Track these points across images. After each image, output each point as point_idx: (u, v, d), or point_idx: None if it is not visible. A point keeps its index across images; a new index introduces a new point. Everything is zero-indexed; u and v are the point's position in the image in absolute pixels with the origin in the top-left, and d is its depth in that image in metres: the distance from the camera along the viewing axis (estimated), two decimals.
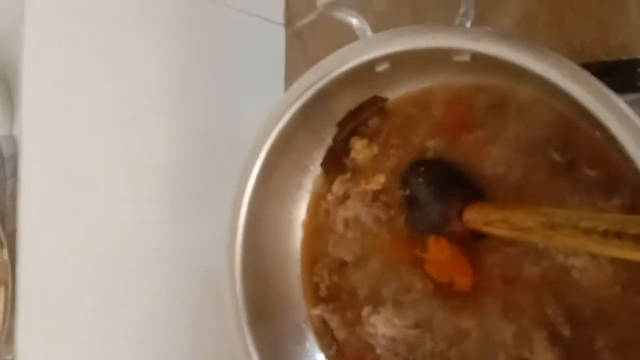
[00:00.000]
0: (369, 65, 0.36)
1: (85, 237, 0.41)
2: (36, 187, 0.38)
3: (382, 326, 0.40)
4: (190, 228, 0.49)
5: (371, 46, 0.35)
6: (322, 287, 0.45)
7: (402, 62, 0.35)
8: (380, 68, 0.36)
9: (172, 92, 0.49)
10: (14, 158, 0.38)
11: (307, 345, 0.45)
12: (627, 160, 0.29)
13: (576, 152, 0.33)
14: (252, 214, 0.43)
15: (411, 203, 0.40)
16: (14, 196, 0.38)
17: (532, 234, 0.31)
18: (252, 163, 0.42)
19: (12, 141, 0.38)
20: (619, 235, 0.26)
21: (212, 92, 0.53)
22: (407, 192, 0.40)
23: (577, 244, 0.28)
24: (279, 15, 0.58)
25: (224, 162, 0.45)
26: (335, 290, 0.44)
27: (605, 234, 0.26)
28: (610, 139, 0.29)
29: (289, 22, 0.59)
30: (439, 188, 0.38)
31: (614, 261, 0.32)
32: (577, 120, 0.33)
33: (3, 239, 0.39)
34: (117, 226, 0.43)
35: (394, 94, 0.40)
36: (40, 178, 0.38)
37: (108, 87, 0.41)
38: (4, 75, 0.37)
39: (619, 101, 0.29)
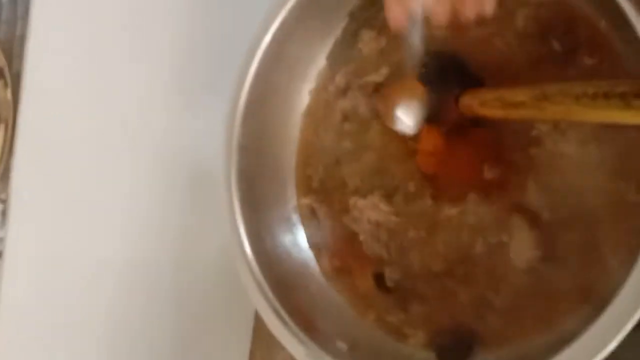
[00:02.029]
0: None
1: (88, 88, 0.41)
2: (45, 30, 0.39)
3: (368, 210, 0.41)
4: (193, 116, 0.50)
5: None
6: (315, 179, 0.45)
7: None
8: None
9: None
10: None
11: (295, 232, 0.46)
12: (632, 48, 0.29)
13: (577, 41, 0.33)
14: (254, 96, 0.43)
15: None
16: (23, 37, 0.39)
17: (525, 108, 0.31)
18: (257, 45, 0.43)
19: None
20: (606, 95, 0.26)
21: None
22: None
23: (568, 111, 0.29)
24: None
25: (231, 45, 0.46)
26: (326, 183, 0.45)
27: (594, 96, 0.27)
28: (620, 26, 0.29)
29: None
30: (440, 77, 0.38)
31: (602, 148, 0.32)
32: (583, 9, 0.33)
33: (8, 78, 0.39)
34: (123, 95, 0.43)
35: None
36: (51, 21, 0.39)
37: None
38: None
39: None
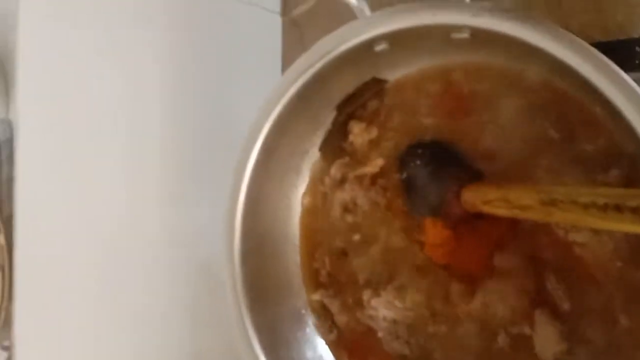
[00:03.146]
0: (368, 45, 0.36)
1: (83, 222, 0.40)
2: (32, 172, 0.38)
3: (383, 308, 0.40)
4: (189, 213, 0.49)
5: (370, 25, 0.35)
6: (323, 273, 0.44)
7: (401, 41, 0.35)
8: (379, 48, 0.36)
9: (169, 80, 0.48)
10: (10, 142, 0.38)
11: (307, 330, 0.45)
12: (629, 134, 0.29)
13: (573, 128, 0.33)
14: (251, 198, 0.43)
15: (409, 186, 0.40)
16: (10, 180, 0.38)
17: (531, 212, 0.31)
18: (250, 147, 0.42)
19: (8, 125, 0.37)
20: (618, 209, 0.26)
21: (209, 82, 0.53)
22: (405, 175, 0.40)
23: (577, 219, 0.28)
24: (275, 3, 0.58)
25: (222, 149, 0.45)
26: (335, 276, 0.44)
27: (604, 207, 0.26)
28: (613, 114, 0.29)
29: (285, 10, 0.58)
30: (437, 170, 0.38)
31: (615, 237, 0.32)
32: (576, 97, 0.33)
33: (0, 223, 0.38)
34: (115, 211, 0.42)
35: (393, 75, 0.40)
36: (36, 162, 0.38)
37: (105, 71, 0.41)
38: (0, 57, 0.37)
39: (625, 76, 0.29)
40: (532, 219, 0.32)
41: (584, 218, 0.28)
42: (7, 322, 0.38)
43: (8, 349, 0.38)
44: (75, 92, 0.39)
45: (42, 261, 0.39)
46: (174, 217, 0.48)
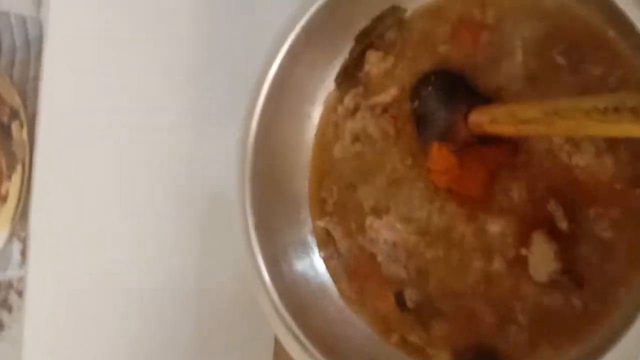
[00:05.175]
0: None
1: (103, 127, 0.42)
2: (59, 71, 0.39)
3: (384, 230, 0.41)
4: (202, 137, 0.50)
5: None
6: (329, 202, 0.45)
7: None
8: None
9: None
10: (39, 40, 0.39)
11: (312, 256, 0.46)
12: None
13: (582, 53, 0.33)
14: (264, 123, 0.44)
15: (419, 113, 0.40)
16: (36, 78, 0.40)
17: (536, 124, 0.31)
18: (266, 71, 0.43)
19: (38, 23, 0.39)
20: (617, 110, 0.26)
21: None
22: (416, 103, 0.40)
23: (578, 126, 0.29)
24: None
25: (237, 75, 0.46)
26: (341, 205, 0.45)
27: (604, 111, 0.27)
28: (627, 33, 0.30)
29: None
30: (447, 96, 0.38)
31: (617, 159, 0.32)
32: (588, 21, 0.33)
33: (24, 119, 0.40)
34: (137, 128, 0.44)
35: (412, 3, 0.41)
36: (63, 62, 0.40)
37: None
38: None
39: None
40: (536, 133, 0.33)
41: (585, 124, 0.28)
42: (24, 215, 0.40)
43: (24, 240, 0.40)
44: None
45: (61, 159, 0.40)
46: (187, 142, 0.49)
